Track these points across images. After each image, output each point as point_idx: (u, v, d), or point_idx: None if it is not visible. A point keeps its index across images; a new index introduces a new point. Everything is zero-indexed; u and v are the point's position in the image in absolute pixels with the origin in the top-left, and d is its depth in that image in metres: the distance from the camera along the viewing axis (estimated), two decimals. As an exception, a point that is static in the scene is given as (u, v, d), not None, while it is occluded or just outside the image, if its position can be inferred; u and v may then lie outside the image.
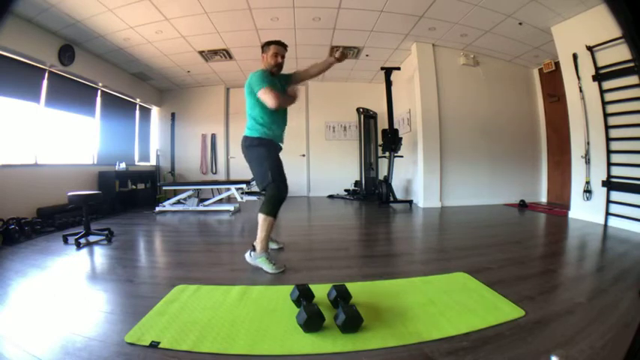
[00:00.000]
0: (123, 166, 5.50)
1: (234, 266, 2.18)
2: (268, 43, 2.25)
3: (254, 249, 2.12)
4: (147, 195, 5.97)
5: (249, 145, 2.19)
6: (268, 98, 2.05)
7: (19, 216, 3.45)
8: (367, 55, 5.48)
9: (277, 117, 2.21)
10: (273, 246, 2.65)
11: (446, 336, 1.26)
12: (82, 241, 2.94)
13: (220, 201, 5.24)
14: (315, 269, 2.17)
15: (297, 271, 2.09)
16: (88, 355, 1.14)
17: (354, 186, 6.70)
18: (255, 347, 1.20)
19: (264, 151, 2.16)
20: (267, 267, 2.05)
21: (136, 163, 6.48)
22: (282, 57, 2.25)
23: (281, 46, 2.25)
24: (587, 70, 3.61)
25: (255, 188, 5.37)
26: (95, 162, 5.28)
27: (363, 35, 4.68)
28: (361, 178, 6.51)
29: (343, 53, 2.28)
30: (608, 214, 3.44)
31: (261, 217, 2.11)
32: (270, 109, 2.11)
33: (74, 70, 4.54)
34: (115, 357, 1.14)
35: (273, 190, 2.13)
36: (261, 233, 2.10)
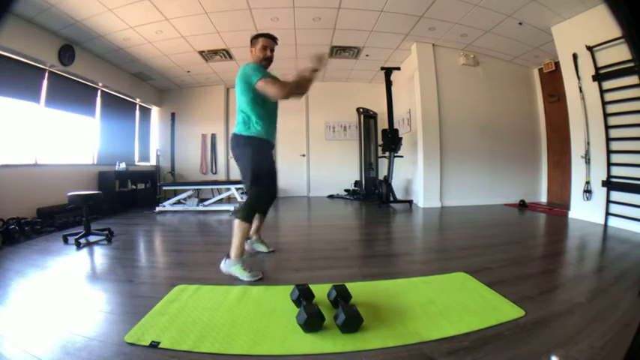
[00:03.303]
0: (123, 166, 5.50)
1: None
2: (257, 36, 2.13)
3: (228, 256, 1.98)
4: (147, 195, 5.97)
5: (237, 143, 2.07)
6: (271, 89, 1.91)
7: (19, 216, 3.45)
8: (367, 55, 5.48)
9: (267, 111, 2.10)
10: (262, 249, 2.54)
11: (446, 336, 1.26)
12: (82, 241, 2.94)
13: (220, 201, 5.24)
14: (315, 269, 2.17)
15: (297, 271, 2.09)
16: (88, 355, 1.14)
17: (354, 186, 6.70)
18: (255, 347, 1.20)
19: (251, 151, 2.03)
20: (242, 275, 1.91)
21: (136, 163, 6.48)
22: (272, 50, 2.13)
23: (270, 38, 2.13)
24: (587, 70, 3.61)
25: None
26: (95, 162, 5.28)
27: (363, 35, 4.68)
28: (361, 178, 6.51)
29: (319, 58, 2.00)
30: (608, 214, 3.44)
31: (235, 222, 2.00)
32: (261, 103, 2.03)
33: (74, 70, 4.54)
34: (115, 357, 1.14)
35: (252, 195, 2.04)
36: (235, 240, 1.97)
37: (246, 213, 2.01)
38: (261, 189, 2.08)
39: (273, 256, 2.47)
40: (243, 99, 2.04)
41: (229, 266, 1.97)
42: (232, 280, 1.93)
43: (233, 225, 2.03)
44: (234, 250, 1.97)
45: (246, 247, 2.39)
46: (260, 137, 2.07)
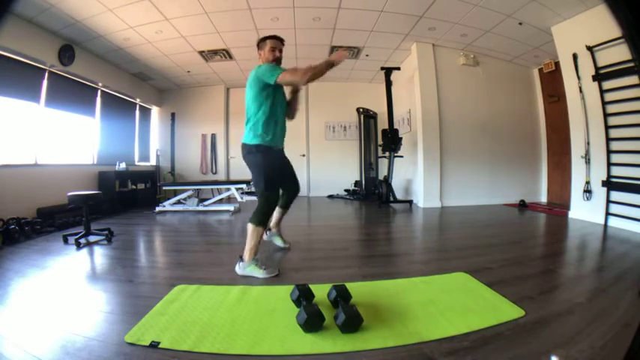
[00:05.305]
0: (123, 166, 5.50)
1: (234, 266, 2.18)
2: (264, 39, 2.19)
3: (242, 259, 2.04)
4: (147, 195, 5.97)
5: (248, 152, 2.14)
6: (294, 76, 1.95)
7: (19, 216, 3.45)
8: (367, 55, 5.48)
9: (275, 117, 2.15)
10: (278, 242, 2.65)
11: (446, 336, 1.26)
12: (82, 241, 2.94)
13: (220, 201, 5.23)
14: (315, 269, 2.17)
15: (297, 271, 2.09)
16: (87, 355, 1.14)
17: (354, 186, 6.70)
18: (255, 347, 1.20)
19: (261, 158, 2.09)
20: (258, 273, 1.98)
21: (136, 163, 6.48)
22: (280, 51, 2.19)
23: (277, 40, 2.19)
24: (587, 70, 3.61)
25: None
26: (95, 162, 5.28)
27: (363, 35, 4.68)
28: (361, 178, 6.51)
29: (341, 54, 2.10)
30: (608, 214, 3.44)
31: (250, 227, 2.06)
32: (271, 107, 2.07)
33: (74, 70, 4.54)
34: (115, 357, 1.14)
35: (263, 201, 2.09)
36: (249, 243, 2.04)
37: (260, 218, 2.08)
38: (273, 194, 2.13)
39: (274, 255, 2.47)
40: (253, 105, 2.09)
41: (244, 268, 2.02)
42: (232, 280, 1.93)
43: (247, 229, 2.07)
44: (247, 253, 2.03)
45: (265, 237, 2.53)
46: (266, 145, 2.11)
